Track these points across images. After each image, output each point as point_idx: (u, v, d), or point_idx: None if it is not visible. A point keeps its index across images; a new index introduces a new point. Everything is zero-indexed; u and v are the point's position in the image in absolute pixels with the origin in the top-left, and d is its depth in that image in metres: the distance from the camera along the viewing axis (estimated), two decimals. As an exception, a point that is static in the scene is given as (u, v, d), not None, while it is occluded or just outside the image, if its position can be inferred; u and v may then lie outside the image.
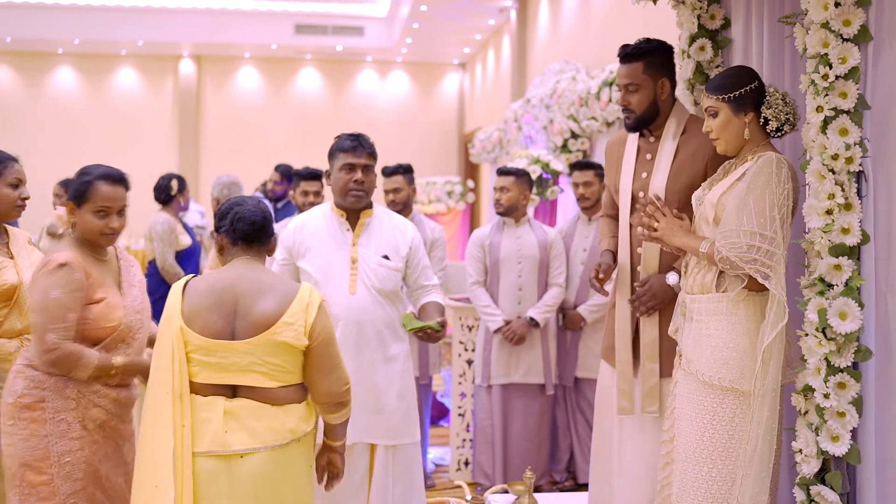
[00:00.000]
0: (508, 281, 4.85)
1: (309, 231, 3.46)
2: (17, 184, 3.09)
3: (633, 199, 3.27)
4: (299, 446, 2.54)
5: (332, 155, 3.46)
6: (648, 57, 3.21)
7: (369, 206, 3.47)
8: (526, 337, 4.80)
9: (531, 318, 4.77)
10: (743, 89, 2.80)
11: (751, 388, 2.69)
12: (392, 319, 3.42)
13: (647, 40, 3.24)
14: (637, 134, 3.32)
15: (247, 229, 2.58)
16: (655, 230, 2.94)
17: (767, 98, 2.80)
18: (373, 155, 3.42)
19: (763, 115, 2.80)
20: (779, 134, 2.83)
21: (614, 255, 3.38)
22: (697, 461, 2.77)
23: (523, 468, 4.81)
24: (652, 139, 3.28)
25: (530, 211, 6.49)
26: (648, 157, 3.26)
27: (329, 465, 2.81)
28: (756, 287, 2.74)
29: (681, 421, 2.86)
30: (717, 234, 2.73)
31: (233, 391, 2.50)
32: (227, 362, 2.46)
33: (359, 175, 3.37)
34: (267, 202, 7.35)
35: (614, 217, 3.45)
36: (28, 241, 3.22)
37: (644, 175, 3.25)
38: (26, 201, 3.11)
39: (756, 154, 2.78)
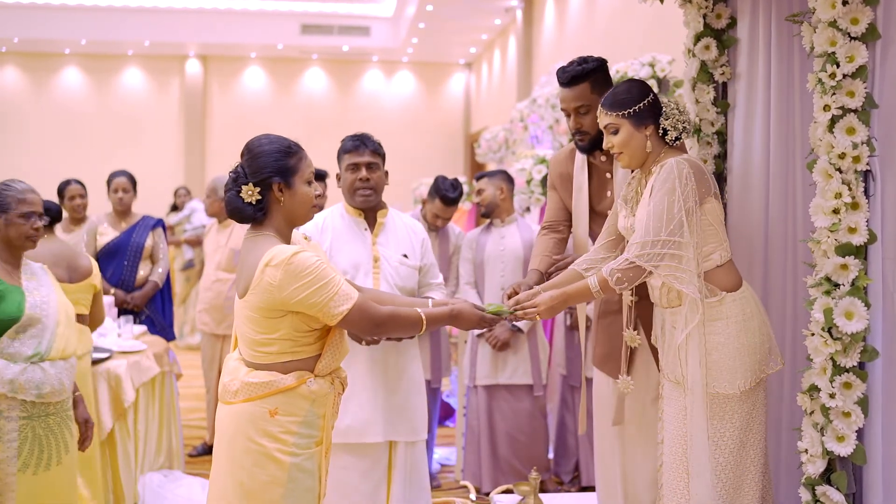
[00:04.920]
0: (492, 281, 4.87)
1: (329, 232, 3.47)
2: (311, 180, 2.56)
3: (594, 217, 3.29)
4: None
5: (338, 158, 3.49)
6: (593, 76, 3.20)
7: (384, 206, 3.50)
8: (510, 342, 4.79)
9: (513, 324, 4.77)
10: (641, 103, 2.81)
11: (732, 391, 2.71)
12: None
13: (586, 59, 3.22)
14: (585, 154, 3.31)
15: None
16: (541, 316, 2.83)
17: (664, 109, 2.83)
18: (377, 152, 3.42)
19: (662, 126, 2.82)
20: (677, 142, 2.85)
21: (542, 275, 3.27)
22: (680, 463, 2.79)
23: (512, 469, 4.82)
24: (604, 158, 3.27)
25: (536, 210, 6.49)
26: (608, 175, 3.27)
27: None
28: (730, 287, 2.76)
29: (666, 424, 2.87)
30: (630, 246, 2.73)
31: None
32: None
33: (363, 173, 3.39)
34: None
35: (555, 232, 3.44)
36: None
37: (608, 193, 3.27)
38: (320, 200, 2.64)
39: (659, 164, 2.80)
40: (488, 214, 4.96)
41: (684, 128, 2.83)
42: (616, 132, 2.85)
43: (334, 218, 3.51)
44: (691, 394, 2.72)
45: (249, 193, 2.44)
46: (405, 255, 3.45)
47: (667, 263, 2.66)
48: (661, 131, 2.83)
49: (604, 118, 2.86)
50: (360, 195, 3.40)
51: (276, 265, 2.36)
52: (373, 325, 2.47)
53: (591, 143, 3.22)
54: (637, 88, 2.85)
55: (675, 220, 2.66)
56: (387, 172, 3.49)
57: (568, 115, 3.26)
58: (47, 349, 2.90)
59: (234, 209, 2.49)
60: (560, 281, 2.93)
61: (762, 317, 2.79)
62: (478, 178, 5.03)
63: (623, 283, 2.69)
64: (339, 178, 3.49)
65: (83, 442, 3.16)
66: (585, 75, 3.19)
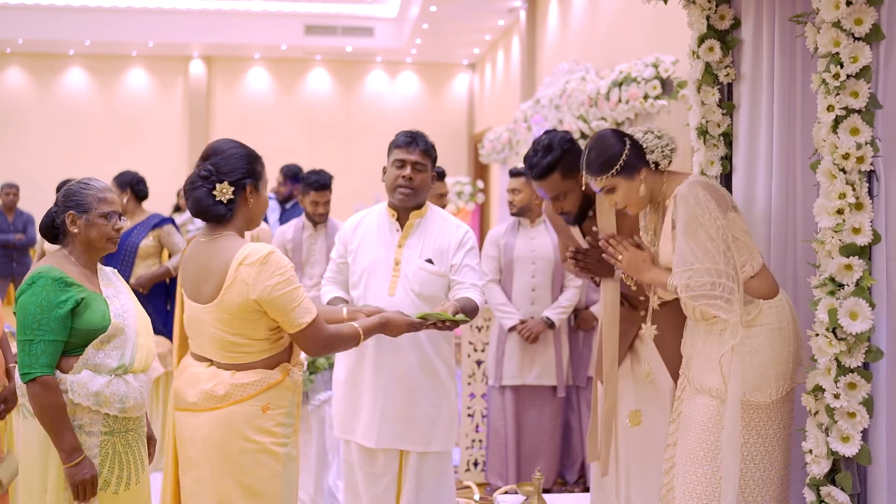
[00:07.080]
0: (522, 281, 4.86)
1: (362, 229, 3.43)
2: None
3: None
4: None
5: (388, 151, 3.40)
6: (561, 163, 3.15)
7: (420, 206, 3.39)
8: (540, 336, 4.80)
9: (547, 318, 4.78)
10: (624, 155, 2.79)
11: (763, 400, 2.71)
12: None
13: (550, 146, 3.17)
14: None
15: None
16: (621, 263, 2.91)
17: (646, 145, 2.81)
18: (427, 154, 3.34)
19: (651, 161, 2.82)
20: (669, 163, 2.84)
21: None
22: (699, 468, 2.77)
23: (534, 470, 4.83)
24: (595, 228, 3.24)
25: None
26: (595, 229, 3.24)
27: None
28: (766, 295, 2.75)
29: (685, 429, 2.85)
30: (676, 274, 2.71)
31: None
32: None
33: (408, 171, 3.30)
34: (277, 203, 7.35)
35: None
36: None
37: None
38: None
39: (671, 196, 2.78)
40: (520, 214, 4.94)
41: (672, 149, 2.82)
42: (613, 190, 2.83)
43: (372, 216, 3.45)
44: (730, 408, 2.68)
45: (224, 192, 2.51)
46: (429, 261, 3.32)
47: (726, 296, 2.64)
48: (652, 166, 2.82)
49: (595, 183, 2.85)
50: (399, 193, 3.32)
51: (250, 263, 2.42)
52: (322, 345, 2.55)
53: (577, 218, 3.26)
54: (612, 140, 2.83)
55: (723, 247, 2.64)
56: (433, 176, 3.41)
57: (548, 200, 3.26)
58: (131, 361, 2.72)
59: (204, 207, 2.53)
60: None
61: (796, 325, 2.79)
62: (513, 175, 4.97)
63: (695, 300, 2.69)
64: (384, 170, 3.42)
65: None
66: (553, 166, 3.15)
